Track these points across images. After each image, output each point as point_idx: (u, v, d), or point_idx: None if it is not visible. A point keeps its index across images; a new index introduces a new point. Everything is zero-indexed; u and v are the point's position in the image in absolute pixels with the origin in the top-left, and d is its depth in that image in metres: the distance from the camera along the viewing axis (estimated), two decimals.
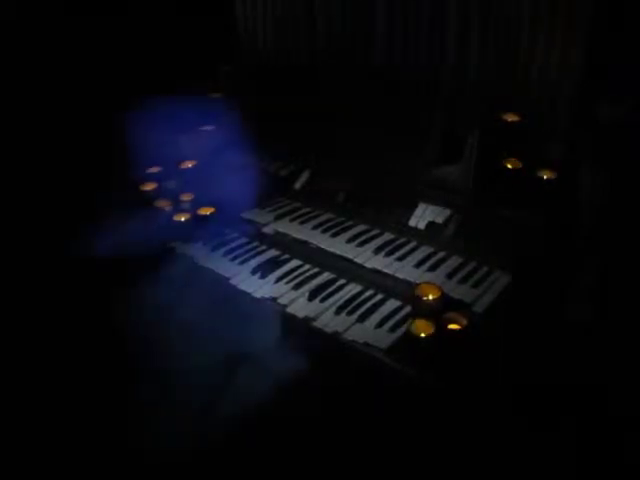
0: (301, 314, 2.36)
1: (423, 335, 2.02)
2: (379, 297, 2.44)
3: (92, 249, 2.60)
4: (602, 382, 2.28)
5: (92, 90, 3.10)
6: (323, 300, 2.43)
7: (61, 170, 2.97)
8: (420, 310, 2.14)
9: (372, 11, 3.05)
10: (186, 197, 2.95)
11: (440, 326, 2.05)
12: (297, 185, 3.05)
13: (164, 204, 2.94)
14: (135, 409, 2.52)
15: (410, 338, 2.05)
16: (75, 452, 2.37)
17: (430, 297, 2.13)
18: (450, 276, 2.40)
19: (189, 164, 3.11)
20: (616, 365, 2.33)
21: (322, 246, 2.67)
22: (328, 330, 2.27)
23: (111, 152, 2.86)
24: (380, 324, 2.28)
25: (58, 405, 2.48)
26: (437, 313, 2.10)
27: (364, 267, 2.53)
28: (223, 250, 2.78)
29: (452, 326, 2.06)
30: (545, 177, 2.46)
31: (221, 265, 2.69)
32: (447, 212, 2.61)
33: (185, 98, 3.11)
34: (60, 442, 2.39)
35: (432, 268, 2.46)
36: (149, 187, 2.99)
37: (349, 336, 2.23)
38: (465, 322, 2.06)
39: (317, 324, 2.31)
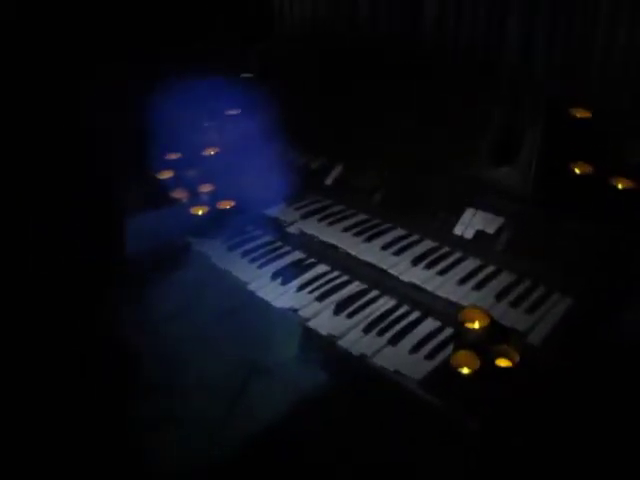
0: (324, 330, 2.06)
1: (466, 371, 1.69)
2: (415, 315, 2.12)
3: (97, 245, 2.34)
4: None
5: (112, 71, 2.82)
6: (351, 315, 2.12)
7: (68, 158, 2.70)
8: (463, 339, 1.81)
9: None
10: (205, 188, 2.67)
11: (487, 361, 1.72)
12: (328, 180, 2.73)
13: (181, 195, 2.66)
14: (142, 424, 2.27)
15: (450, 372, 1.72)
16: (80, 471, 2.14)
17: (476, 325, 1.80)
18: (500, 297, 2.05)
19: (211, 151, 2.82)
20: None
21: (352, 252, 2.35)
22: (354, 352, 1.97)
23: (127, 136, 2.58)
24: (415, 349, 1.95)
25: (62, 419, 2.24)
26: (484, 344, 1.77)
27: (400, 280, 2.20)
28: (242, 250, 2.49)
29: (502, 362, 1.73)
30: (621, 186, 2.08)
31: (239, 267, 2.41)
32: (499, 220, 2.26)
33: (213, 78, 2.82)
34: (64, 461, 2.16)
35: (479, 286, 2.12)
36: (166, 175, 2.72)
37: (378, 361, 1.92)
38: (518, 358, 1.72)
39: (342, 343, 2.01)
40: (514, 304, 2.01)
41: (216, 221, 2.60)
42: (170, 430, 2.23)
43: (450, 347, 1.87)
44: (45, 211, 2.16)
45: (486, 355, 1.73)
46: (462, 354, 1.74)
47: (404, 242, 2.40)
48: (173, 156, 2.82)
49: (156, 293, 2.36)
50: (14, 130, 2.16)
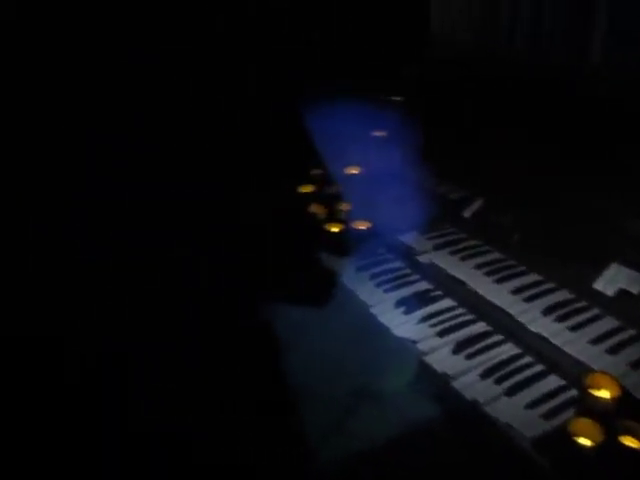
0: (440, 368, 2.03)
1: (586, 442, 1.59)
2: (538, 369, 2.02)
3: (232, 250, 2.48)
4: None
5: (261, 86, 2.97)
6: (470, 357, 2.08)
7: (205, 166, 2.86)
8: (587, 406, 1.69)
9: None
10: (343, 206, 2.73)
11: (612, 436, 1.60)
12: (467, 213, 2.68)
13: (319, 210, 2.75)
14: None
15: (567, 440, 1.63)
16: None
17: (604, 394, 1.68)
18: (637, 366, 1.89)
19: (353, 170, 2.88)
20: None
21: (481, 292, 2.29)
22: (467, 396, 1.92)
23: (271, 149, 2.71)
24: (533, 405, 1.86)
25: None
26: (610, 416, 1.65)
27: (527, 328, 2.11)
28: (370, 272, 2.53)
29: (628, 441, 1.59)
30: None
31: (365, 289, 2.44)
32: None
33: (362, 98, 2.88)
34: None
35: (614, 350, 1.97)
36: (307, 189, 2.81)
37: (491, 410, 1.86)
38: None
39: (456, 385, 1.97)
40: None
41: (349, 240, 2.65)
42: (278, 436, 2.31)
43: (571, 411, 1.76)
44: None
45: (611, 429, 1.61)
46: (584, 422, 1.64)
47: (537, 289, 2.29)
48: (316, 171, 2.91)
49: (282, 305, 2.45)
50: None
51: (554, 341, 2.03)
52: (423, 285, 2.46)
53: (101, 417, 2.18)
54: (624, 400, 1.70)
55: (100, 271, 2.32)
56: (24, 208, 2.27)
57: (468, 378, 1.98)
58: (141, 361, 2.26)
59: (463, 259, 2.48)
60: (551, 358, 2.02)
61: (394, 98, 3.14)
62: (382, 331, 2.25)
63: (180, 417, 2.18)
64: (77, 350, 2.25)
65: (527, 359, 2.06)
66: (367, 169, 2.89)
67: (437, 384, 2.03)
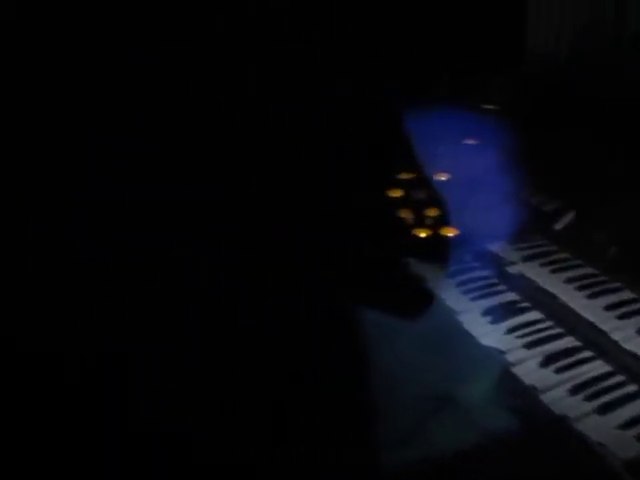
0: (528, 380, 2.03)
1: None
2: (632, 389, 1.98)
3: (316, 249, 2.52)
4: None
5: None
6: (559, 371, 2.06)
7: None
8: None
9: None
10: (432, 212, 2.74)
11: None
12: (558, 226, 2.65)
13: (406, 214, 2.77)
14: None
15: None
16: None
17: None
18: None
19: (442, 177, 2.88)
20: None
21: (572, 306, 2.26)
22: (556, 410, 1.91)
23: (361, 152, 2.74)
24: (626, 425, 1.83)
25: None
26: None
27: (620, 346, 2.07)
28: (458, 279, 2.54)
29: None
30: None
31: (452, 296, 2.46)
32: None
33: (453, 105, 2.88)
34: None
35: None
36: (395, 193, 2.84)
37: (581, 427, 1.84)
38: None
39: (544, 398, 1.96)
40: None
41: (437, 246, 2.66)
42: (349, 443, 2.34)
43: None
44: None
45: None
46: None
47: (632, 307, 2.24)
48: (405, 176, 2.93)
49: (363, 309, 2.49)
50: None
51: None
52: (511, 296, 2.45)
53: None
54: None
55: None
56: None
57: (557, 393, 1.97)
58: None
59: (554, 272, 2.46)
60: None
61: (488, 106, 3.12)
62: (468, 339, 2.27)
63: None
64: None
65: (619, 378, 2.03)
66: (458, 176, 2.89)
67: (524, 396, 2.02)
